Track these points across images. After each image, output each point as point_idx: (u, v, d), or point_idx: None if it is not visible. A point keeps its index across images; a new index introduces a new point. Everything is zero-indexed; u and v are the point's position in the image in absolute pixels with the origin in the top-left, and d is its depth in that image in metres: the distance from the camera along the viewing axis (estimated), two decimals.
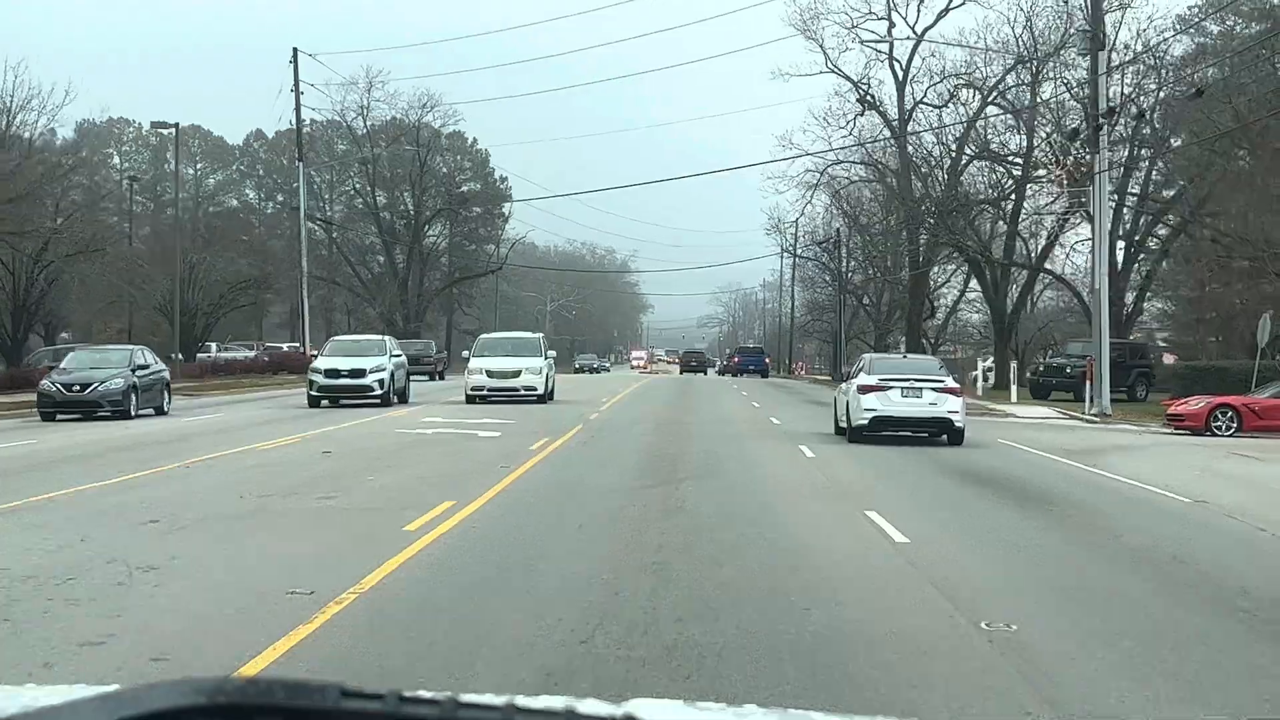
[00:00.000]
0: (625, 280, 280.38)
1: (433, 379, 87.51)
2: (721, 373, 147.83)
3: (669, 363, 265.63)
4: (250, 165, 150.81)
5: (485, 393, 50.41)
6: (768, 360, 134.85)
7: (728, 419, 48.00)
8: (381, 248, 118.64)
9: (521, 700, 1.97)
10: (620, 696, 2.15)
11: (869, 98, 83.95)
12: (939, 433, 33.86)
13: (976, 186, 79.69)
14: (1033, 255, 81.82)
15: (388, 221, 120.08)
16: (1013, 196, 77.65)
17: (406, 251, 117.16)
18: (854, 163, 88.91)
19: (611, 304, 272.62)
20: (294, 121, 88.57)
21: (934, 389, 33.52)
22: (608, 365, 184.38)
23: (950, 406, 33.37)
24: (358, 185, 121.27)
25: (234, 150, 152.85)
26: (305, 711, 1.93)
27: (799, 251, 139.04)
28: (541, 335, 55.67)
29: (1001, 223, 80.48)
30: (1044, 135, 71.32)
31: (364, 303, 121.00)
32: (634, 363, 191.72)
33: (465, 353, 57.82)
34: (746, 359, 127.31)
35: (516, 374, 51.05)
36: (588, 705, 2.00)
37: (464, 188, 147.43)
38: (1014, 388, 63.56)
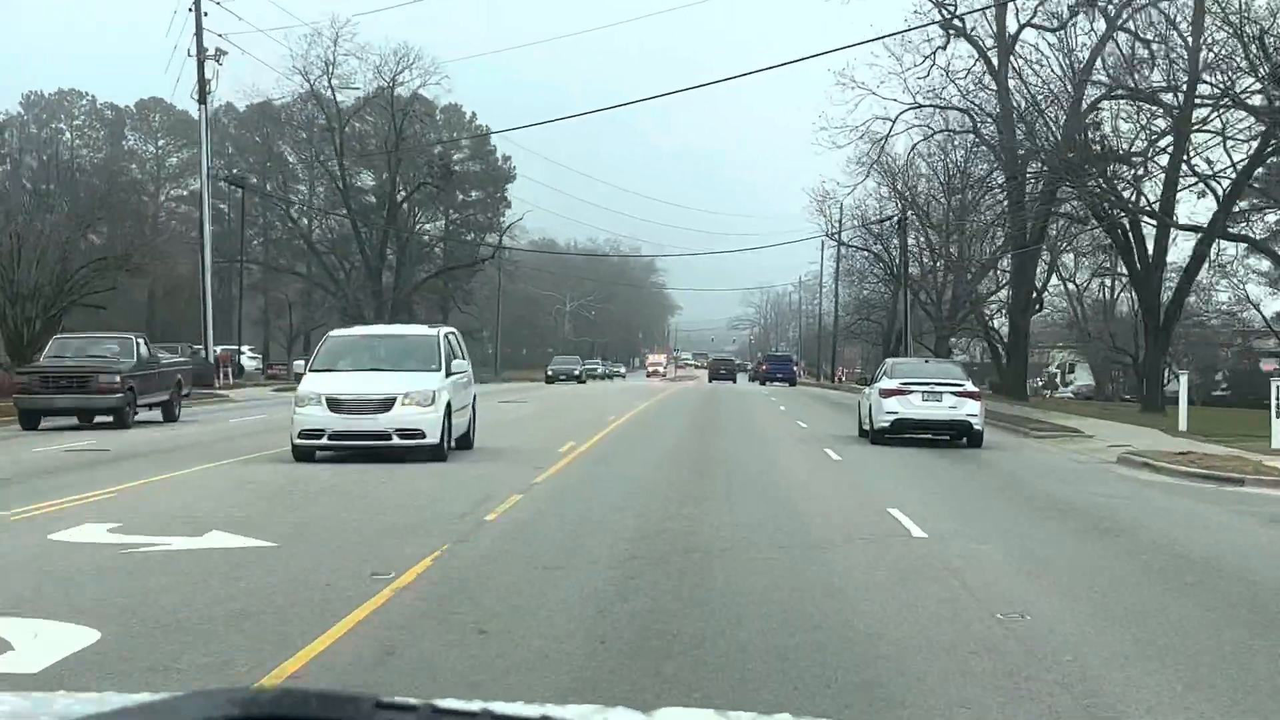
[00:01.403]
0: (652, 280, 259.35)
1: None
2: (751, 379, 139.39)
3: (697, 367, 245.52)
4: (220, 143, 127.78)
5: (325, 441, 26.49)
6: (796, 368, 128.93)
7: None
8: (353, 234, 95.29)
9: (554, 711, 1.96)
10: (649, 705, 2.12)
11: (955, 22, 60.74)
12: (959, 435, 33.46)
13: (1110, 135, 56.23)
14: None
15: (363, 202, 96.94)
16: (1165, 146, 54.13)
17: (381, 237, 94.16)
18: (936, 107, 65.68)
19: (636, 305, 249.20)
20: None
21: (954, 393, 33.18)
22: (621, 371, 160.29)
23: (970, 410, 33.07)
24: (321, 158, 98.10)
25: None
26: None
27: (847, 239, 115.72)
28: (445, 332, 30.26)
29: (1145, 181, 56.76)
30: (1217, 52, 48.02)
31: (330, 297, 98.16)
32: (649, 369, 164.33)
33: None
34: (775, 366, 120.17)
35: (385, 405, 26.71)
36: (617, 714, 1.98)
37: (459, 167, 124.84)
38: (1183, 410, 40.35)
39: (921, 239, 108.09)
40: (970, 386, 34.70)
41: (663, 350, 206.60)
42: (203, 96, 59.24)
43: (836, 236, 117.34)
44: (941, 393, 33.60)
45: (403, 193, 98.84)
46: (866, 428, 35.74)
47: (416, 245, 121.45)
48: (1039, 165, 58.06)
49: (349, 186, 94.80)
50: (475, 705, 1.93)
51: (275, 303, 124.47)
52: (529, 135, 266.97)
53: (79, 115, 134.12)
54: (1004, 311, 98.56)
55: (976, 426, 33.50)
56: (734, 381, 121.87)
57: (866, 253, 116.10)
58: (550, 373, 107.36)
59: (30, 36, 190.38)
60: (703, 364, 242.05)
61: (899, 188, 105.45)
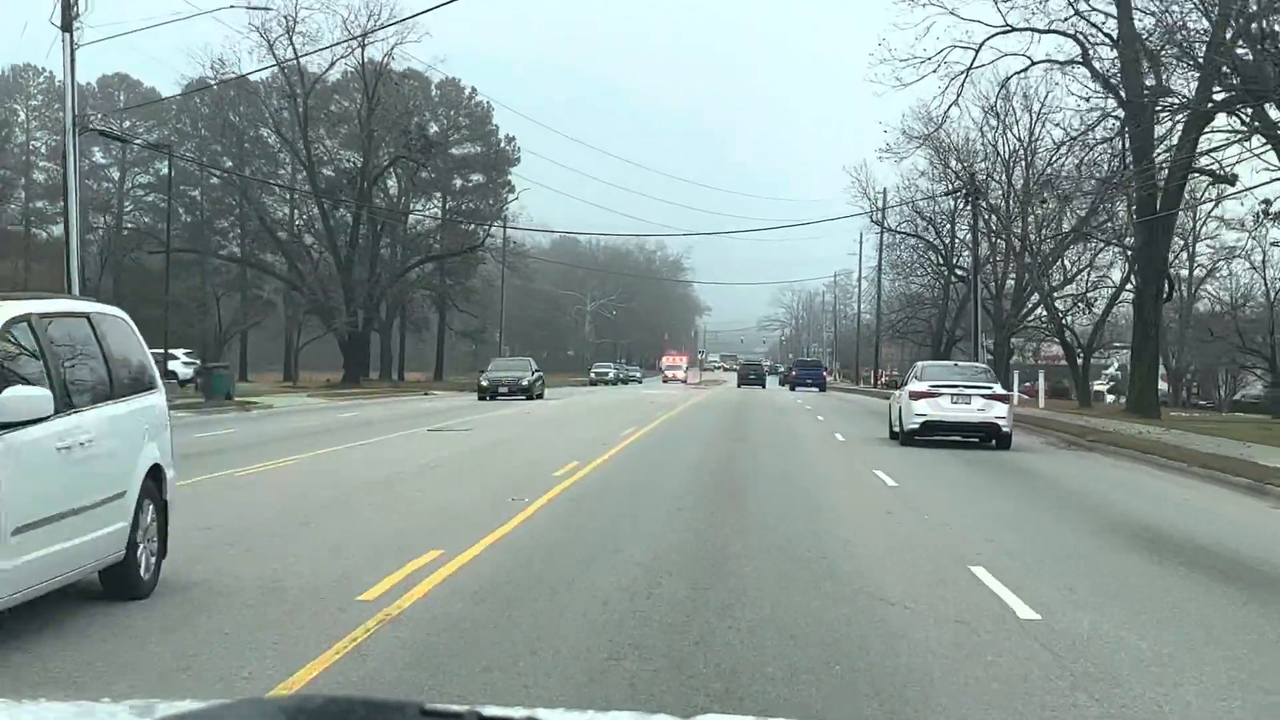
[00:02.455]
0: (680, 279, 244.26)
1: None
2: (781, 382, 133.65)
3: (724, 369, 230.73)
4: (192, 124, 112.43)
5: None
6: (825, 373, 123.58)
7: None
8: (328, 223, 79.87)
9: (597, 717, 1.99)
10: (691, 711, 2.17)
11: None
12: (988, 437, 33.23)
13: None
14: None
15: (335, 183, 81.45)
16: None
17: (353, 221, 78.71)
18: (1034, 30, 49.69)
19: (661, 305, 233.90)
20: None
21: (983, 395, 33.02)
22: (637, 375, 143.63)
23: (998, 412, 32.90)
24: (282, 130, 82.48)
25: (171, 105, 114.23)
26: None
27: (889, 223, 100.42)
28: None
29: None
30: None
31: (297, 293, 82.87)
32: (666, 374, 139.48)
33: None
34: (804, 372, 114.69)
35: None
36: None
37: (459, 149, 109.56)
38: None
39: (981, 221, 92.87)
40: (999, 389, 34.52)
41: (682, 352, 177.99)
42: (67, 22, 43.72)
43: (880, 220, 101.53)
44: (971, 395, 33.26)
45: (390, 174, 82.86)
46: (897, 430, 35.38)
47: (407, 236, 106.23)
48: (1174, 101, 41.97)
49: (315, 163, 79.21)
50: (519, 711, 1.91)
51: (256, 301, 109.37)
52: (535, 113, 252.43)
53: (34, 94, 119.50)
54: (1082, 304, 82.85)
55: (1005, 429, 33.21)
56: (763, 386, 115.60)
57: (916, 240, 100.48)
58: (484, 384, 67.72)
59: None
60: (731, 366, 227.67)
61: (955, 165, 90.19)
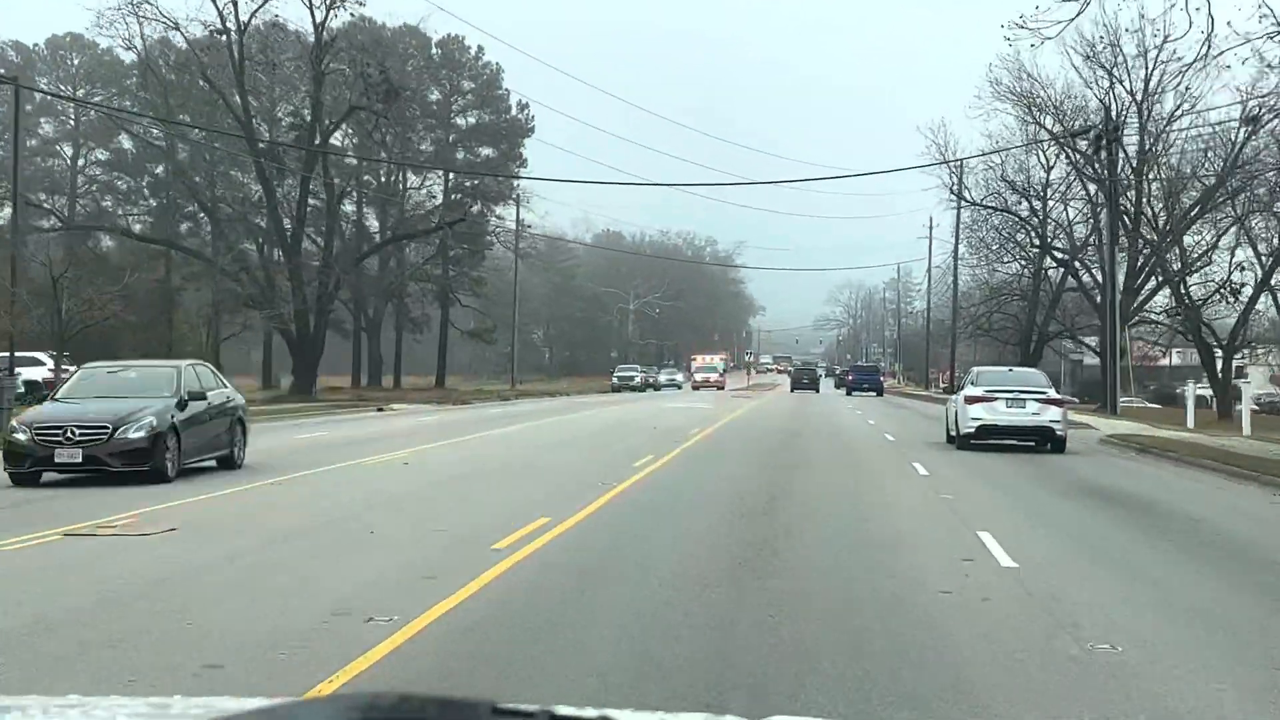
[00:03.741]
0: (733, 278, 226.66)
1: None
2: (837, 385, 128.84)
3: (778, 371, 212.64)
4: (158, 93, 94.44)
5: None
6: (883, 378, 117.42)
7: None
8: (269, 190, 61.66)
9: (667, 718, 2.01)
10: (761, 713, 2.13)
11: None
12: (1042, 441, 32.86)
13: None
14: None
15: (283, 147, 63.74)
16: None
17: (299, 190, 60.74)
18: None
19: (712, 304, 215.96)
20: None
21: (1037, 400, 32.87)
22: (677, 379, 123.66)
23: (1052, 416, 32.69)
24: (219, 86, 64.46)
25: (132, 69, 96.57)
26: None
27: (971, 196, 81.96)
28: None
29: None
30: None
31: (233, 281, 64.95)
32: (695, 378, 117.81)
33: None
34: (861, 376, 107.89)
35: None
36: None
37: (463, 118, 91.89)
38: None
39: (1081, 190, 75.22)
40: (1053, 394, 34.22)
41: (716, 352, 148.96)
42: None
43: (958, 187, 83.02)
44: (1025, 399, 33.00)
45: (350, 132, 64.79)
46: (953, 434, 34.74)
47: (405, 218, 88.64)
48: None
49: (259, 119, 61.16)
50: (591, 711, 1.91)
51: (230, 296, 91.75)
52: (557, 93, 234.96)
53: None
54: (1226, 291, 64.23)
55: (1059, 432, 32.78)
56: (817, 390, 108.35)
57: (1003, 217, 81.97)
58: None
59: None
60: (785, 368, 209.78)
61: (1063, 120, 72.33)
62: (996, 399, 33.17)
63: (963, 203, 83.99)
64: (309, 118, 60.59)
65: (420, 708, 1.88)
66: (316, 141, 62.14)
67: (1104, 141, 52.33)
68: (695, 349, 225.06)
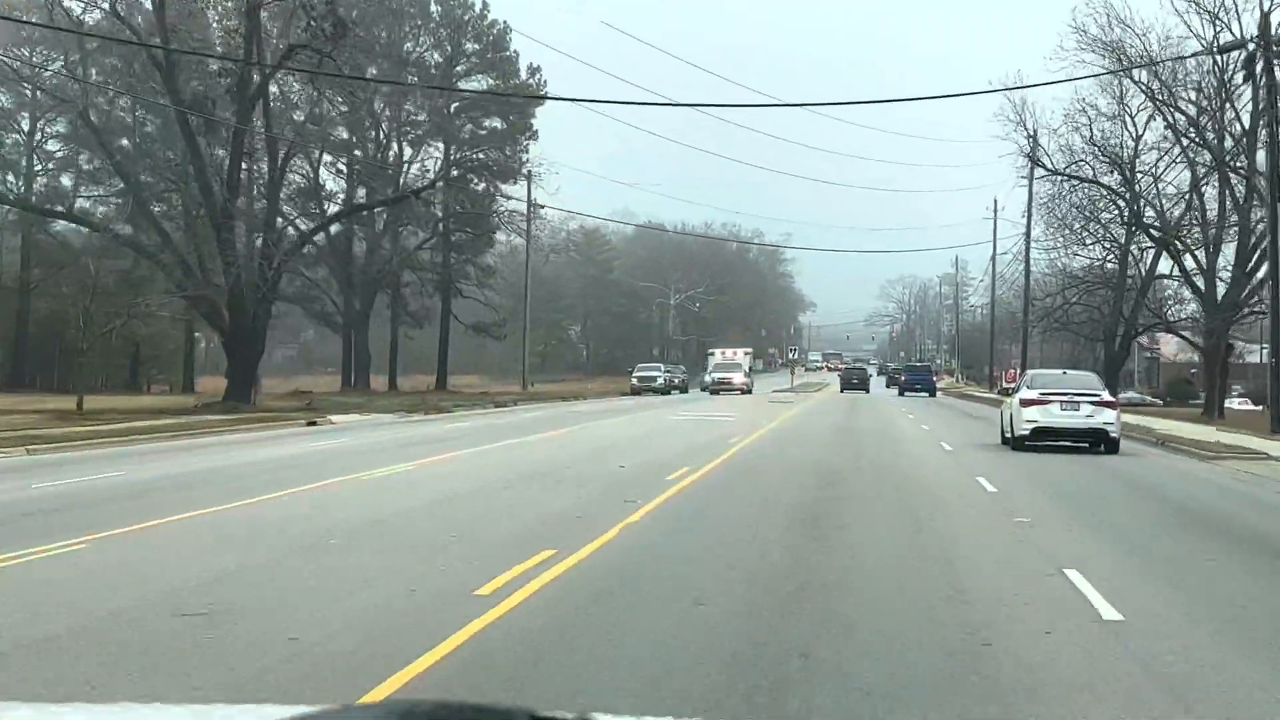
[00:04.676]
0: (781, 272, 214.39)
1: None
2: (888, 384, 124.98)
3: (828, 369, 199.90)
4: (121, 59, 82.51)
5: None
6: (935, 377, 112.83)
7: None
8: (195, 151, 48.99)
9: None
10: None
11: None
12: (1096, 443, 32.80)
13: None
14: None
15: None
16: None
17: (232, 146, 48.18)
18: None
19: (759, 299, 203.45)
20: None
21: (1091, 402, 32.90)
22: (681, 377, 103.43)
23: (1106, 418, 32.68)
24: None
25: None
26: None
27: (1047, 165, 69.09)
28: None
29: None
30: None
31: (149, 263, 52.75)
32: (714, 379, 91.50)
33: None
34: (913, 377, 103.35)
35: None
36: None
37: (468, 82, 79.91)
38: None
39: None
40: (1107, 396, 33.95)
41: (740, 345, 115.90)
42: None
43: (1031, 150, 70.26)
44: (1079, 402, 32.85)
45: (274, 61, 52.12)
46: (1008, 435, 34.37)
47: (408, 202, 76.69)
48: None
49: (175, 60, 48.74)
50: (632, 718, 1.85)
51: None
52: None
53: None
54: None
55: (1113, 434, 32.64)
56: (867, 390, 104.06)
57: (1087, 190, 69.02)
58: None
59: None
60: (834, 366, 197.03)
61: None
62: (1051, 402, 32.96)
63: (1042, 171, 70.78)
64: (243, 57, 48.11)
65: (457, 713, 1.85)
66: (254, 89, 49.67)
67: (1261, 60, 39.11)
68: (741, 347, 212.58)
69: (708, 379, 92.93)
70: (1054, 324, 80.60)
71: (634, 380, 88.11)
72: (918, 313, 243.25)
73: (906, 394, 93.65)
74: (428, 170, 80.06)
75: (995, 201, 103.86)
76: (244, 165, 51.15)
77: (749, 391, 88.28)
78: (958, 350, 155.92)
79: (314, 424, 42.74)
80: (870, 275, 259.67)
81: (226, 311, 50.07)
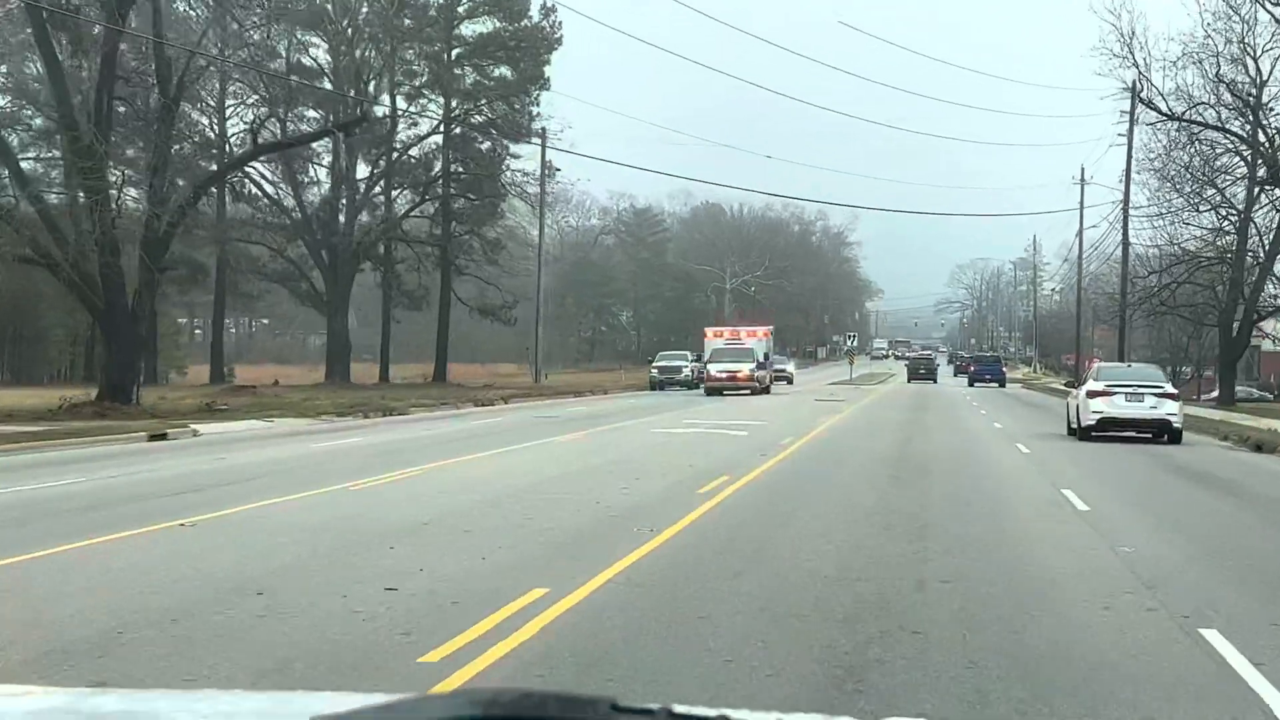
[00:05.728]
0: (846, 257, 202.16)
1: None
2: (956, 373, 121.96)
3: (894, 357, 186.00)
4: None
5: None
6: (1005, 369, 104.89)
7: None
8: (56, 76, 36.35)
9: (784, 718, 1.96)
10: (879, 713, 1.91)
11: None
12: (1159, 433, 32.77)
13: None
14: None
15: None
16: None
17: (99, 68, 35.38)
18: None
19: (824, 284, 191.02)
20: None
21: (1155, 394, 33.09)
22: (788, 370, 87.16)
23: (1169, 409, 32.83)
24: None
25: None
26: None
27: (1159, 108, 55.40)
28: None
29: None
30: None
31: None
32: (708, 370, 64.68)
33: None
34: (982, 368, 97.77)
35: None
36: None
37: (468, 26, 67.39)
38: None
39: None
40: (1170, 388, 34.30)
41: (754, 329, 75.53)
42: None
43: (1134, 89, 56.97)
44: (1143, 394, 33.04)
45: None
46: (1074, 426, 34.17)
47: (397, 164, 64.66)
48: None
49: None
50: (712, 711, 1.89)
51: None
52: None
53: None
54: None
55: (1176, 424, 32.71)
56: (934, 380, 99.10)
57: (1212, 139, 55.59)
58: None
59: None
60: (899, 354, 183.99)
61: None
62: (1116, 393, 32.68)
63: (1154, 116, 57.09)
64: None
65: (541, 704, 1.84)
66: None
67: None
68: (802, 335, 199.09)
69: (704, 370, 64.96)
70: (1158, 307, 66.90)
71: (653, 372, 70.44)
72: (989, 298, 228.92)
73: (976, 384, 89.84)
74: (415, 123, 67.53)
75: (1082, 170, 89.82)
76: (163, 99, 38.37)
77: (763, 390, 63.73)
78: (1036, 338, 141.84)
79: (163, 437, 30.26)
80: (940, 260, 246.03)
81: (102, 292, 37.72)
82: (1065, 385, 63.41)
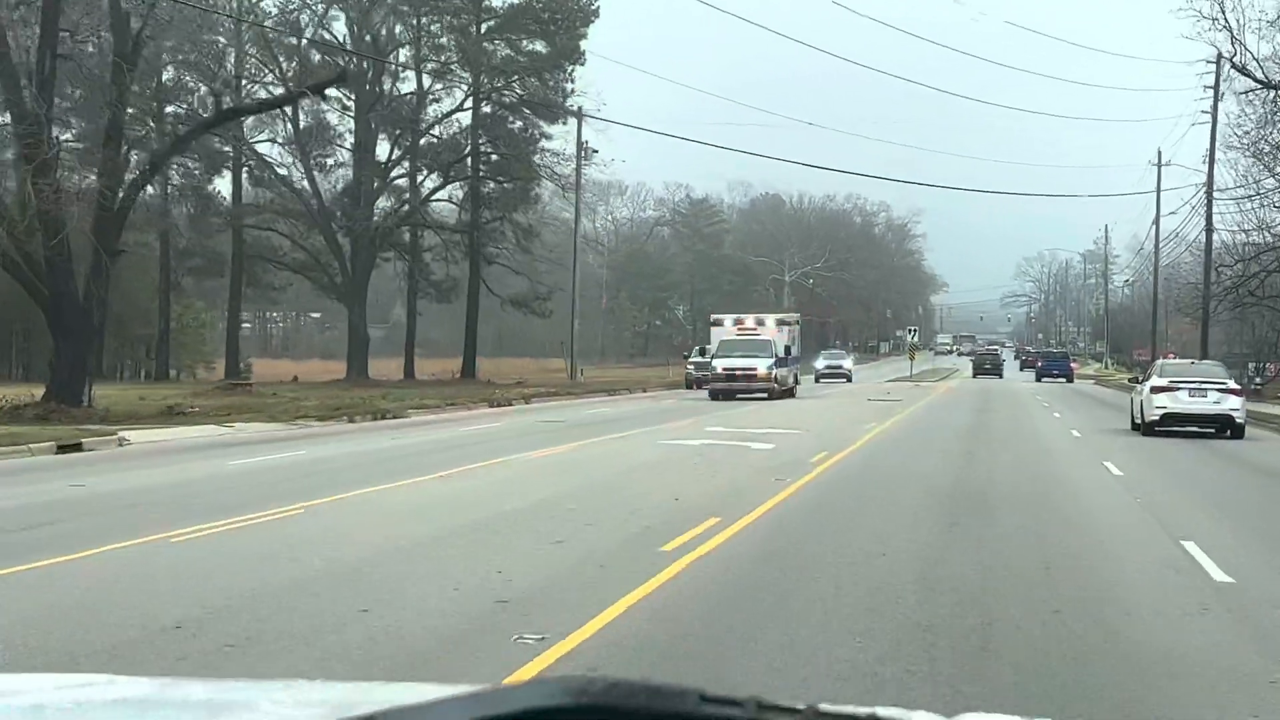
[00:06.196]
0: (910, 249, 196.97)
1: None
2: (1022, 368, 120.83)
3: (958, 352, 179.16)
4: None
5: None
6: (1074, 365, 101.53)
7: None
8: None
9: (882, 711, 1.94)
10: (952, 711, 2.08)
11: None
12: (1222, 428, 33.26)
13: None
14: None
15: None
16: None
17: (40, 27, 30.38)
18: None
19: (887, 277, 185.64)
20: None
21: (1218, 389, 33.35)
22: (844, 366, 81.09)
23: (1231, 405, 33.17)
24: None
25: None
26: (665, 715, 1.85)
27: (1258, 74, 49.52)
28: None
29: None
30: None
31: None
32: (714, 367, 52.58)
33: None
34: (1050, 364, 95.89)
35: None
36: (920, 718, 2.00)
37: None
38: None
39: None
40: (1233, 384, 34.50)
41: (765, 316, 60.64)
42: None
43: (1231, 57, 51.11)
44: (1206, 389, 33.27)
45: None
46: (1138, 422, 34.62)
47: (420, 147, 59.97)
48: None
49: None
50: (800, 704, 1.90)
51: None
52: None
53: None
54: None
55: (1239, 420, 33.11)
56: (1000, 375, 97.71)
57: None
58: None
59: None
60: (961, 350, 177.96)
61: None
62: (1180, 388, 32.99)
63: (1246, 84, 51.14)
64: None
65: (630, 693, 1.82)
66: None
67: None
68: (864, 328, 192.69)
69: (715, 370, 51.92)
70: (1245, 298, 60.81)
71: (689, 369, 62.53)
72: (1057, 292, 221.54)
73: (1043, 379, 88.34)
74: (439, 99, 62.34)
75: (1159, 154, 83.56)
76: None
77: (790, 390, 54.21)
78: (1108, 333, 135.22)
79: (76, 448, 25.24)
80: (1007, 253, 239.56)
81: (47, 279, 32.74)
82: (1130, 381, 59.31)
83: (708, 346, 58.93)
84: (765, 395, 50.24)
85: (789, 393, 53.81)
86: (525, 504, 15.79)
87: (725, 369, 51.03)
